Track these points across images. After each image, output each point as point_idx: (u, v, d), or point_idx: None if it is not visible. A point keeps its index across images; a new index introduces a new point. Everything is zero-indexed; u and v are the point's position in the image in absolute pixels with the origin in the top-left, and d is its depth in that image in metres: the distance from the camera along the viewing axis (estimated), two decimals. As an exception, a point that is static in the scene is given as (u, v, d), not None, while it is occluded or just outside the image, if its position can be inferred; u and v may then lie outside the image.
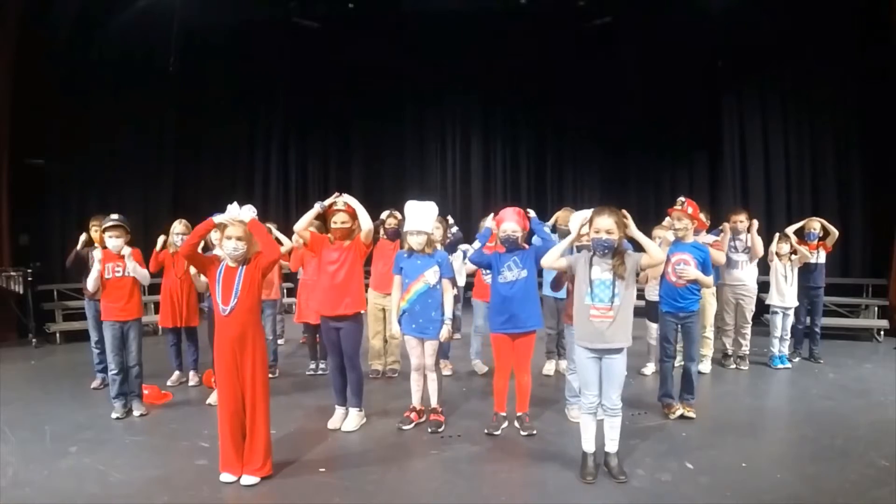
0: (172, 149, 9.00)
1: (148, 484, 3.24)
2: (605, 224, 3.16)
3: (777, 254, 5.76)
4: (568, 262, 3.38)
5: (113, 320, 4.29)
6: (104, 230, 4.36)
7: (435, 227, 5.61)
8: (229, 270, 3.29)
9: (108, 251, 4.38)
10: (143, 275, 4.47)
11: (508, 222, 3.93)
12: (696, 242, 4.38)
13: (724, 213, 6.10)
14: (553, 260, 3.41)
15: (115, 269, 4.34)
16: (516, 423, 4.06)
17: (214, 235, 4.67)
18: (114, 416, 4.26)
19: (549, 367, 5.54)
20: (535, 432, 3.97)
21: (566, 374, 4.33)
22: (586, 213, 3.74)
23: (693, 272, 4.17)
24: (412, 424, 4.08)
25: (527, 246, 4.04)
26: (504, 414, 4.06)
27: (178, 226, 5.14)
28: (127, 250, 4.35)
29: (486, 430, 3.99)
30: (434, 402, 4.12)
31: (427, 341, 4.03)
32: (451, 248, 5.41)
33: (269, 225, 4.98)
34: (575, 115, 10.09)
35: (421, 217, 4.02)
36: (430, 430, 4.01)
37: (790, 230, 5.90)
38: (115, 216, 4.39)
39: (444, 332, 4.00)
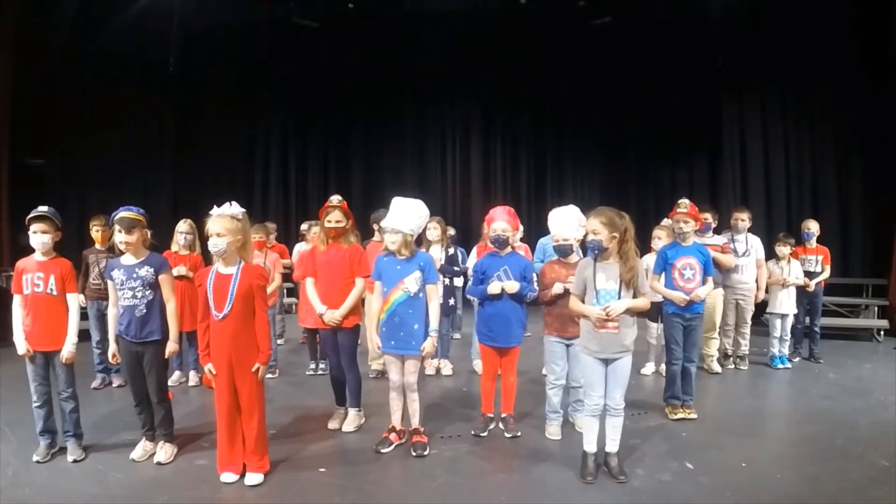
0: (172, 149, 9.01)
1: (148, 484, 3.24)
2: (591, 225, 3.23)
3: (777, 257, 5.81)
4: (584, 285, 3.29)
5: None
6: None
7: (433, 227, 5.64)
8: (220, 278, 3.18)
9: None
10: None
11: (499, 221, 3.88)
12: (697, 244, 4.38)
13: (724, 214, 6.09)
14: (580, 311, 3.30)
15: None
16: (501, 425, 4.02)
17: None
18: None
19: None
20: (519, 434, 3.92)
21: (546, 388, 3.96)
22: (559, 211, 3.79)
23: (704, 294, 4.22)
24: (392, 447, 3.70)
25: (518, 248, 3.96)
26: (491, 415, 4.02)
27: (184, 225, 5.13)
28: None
29: (472, 432, 3.94)
30: (415, 423, 3.74)
31: (408, 359, 3.63)
32: (443, 270, 5.36)
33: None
34: (575, 115, 10.11)
35: (401, 214, 3.57)
36: (413, 453, 3.60)
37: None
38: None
39: (429, 344, 3.57)
